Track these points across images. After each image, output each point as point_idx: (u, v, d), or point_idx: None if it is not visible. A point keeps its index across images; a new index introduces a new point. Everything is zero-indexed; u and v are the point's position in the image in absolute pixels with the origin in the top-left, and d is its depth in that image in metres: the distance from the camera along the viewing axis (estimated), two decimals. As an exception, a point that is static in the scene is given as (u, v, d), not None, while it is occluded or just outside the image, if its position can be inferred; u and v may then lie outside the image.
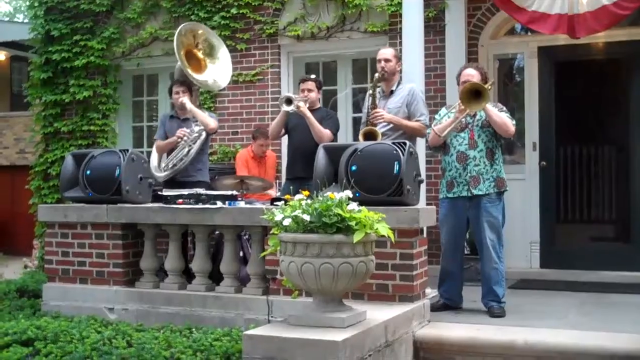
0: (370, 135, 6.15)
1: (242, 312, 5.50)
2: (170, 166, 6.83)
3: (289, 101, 6.50)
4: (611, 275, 7.33)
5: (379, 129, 6.17)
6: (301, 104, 6.48)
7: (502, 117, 5.68)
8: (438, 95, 7.85)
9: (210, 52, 7.26)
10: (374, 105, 6.24)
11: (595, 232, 8.26)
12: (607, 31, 7.08)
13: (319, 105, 6.89)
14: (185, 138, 6.79)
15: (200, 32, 7.24)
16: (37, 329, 4.95)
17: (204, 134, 6.83)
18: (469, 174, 5.69)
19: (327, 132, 6.49)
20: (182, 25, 7.19)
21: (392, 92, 6.34)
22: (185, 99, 6.84)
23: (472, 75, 5.77)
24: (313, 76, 7.04)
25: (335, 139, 6.61)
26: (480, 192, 5.68)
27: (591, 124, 8.25)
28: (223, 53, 7.32)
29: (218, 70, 7.27)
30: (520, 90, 8.27)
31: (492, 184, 5.71)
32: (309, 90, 6.68)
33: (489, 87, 5.74)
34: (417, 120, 6.19)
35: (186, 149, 6.79)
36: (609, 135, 8.24)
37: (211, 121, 6.84)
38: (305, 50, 8.95)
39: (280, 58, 8.95)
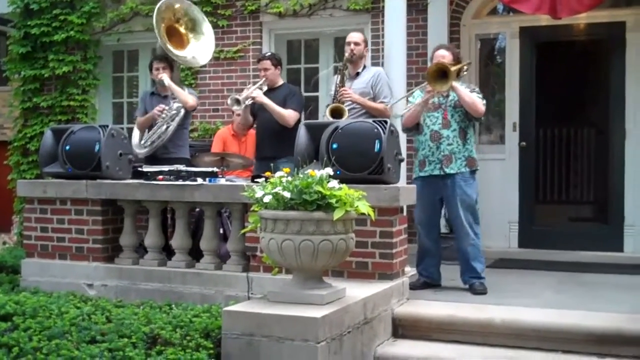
0: (337, 112, 6.23)
1: (222, 289, 5.50)
2: (149, 143, 6.80)
3: (237, 102, 6.47)
4: (588, 255, 7.42)
5: (345, 107, 6.25)
6: (256, 93, 6.52)
7: (472, 97, 5.72)
8: (420, 74, 7.83)
9: (194, 27, 7.18)
10: (342, 84, 6.34)
11: (573, 213, 8.34)
12: (589, 12, 7.12)
13: (280, 81, 6.86)
14: (163, 115, 6.75)
15: (177, 6, 7.12)
16: (15, 304, 4.91)
17: (182, 111, 6.79)
18: (441, 153, 5.74)
19: (289, 114, 6.52)
20: (161, 0, 7.11)
21: (357, 74, 6.45)
22: (164, 76, 6.78)
23: (443, 56, 5.82)
24: (268, 53, 7.06)
25: (300, 117, 6.64)
26: (452, 171, 5.74)
27: (571, 106, 8.29)
28: (206, 28, 7.24)
29: (200, 46, 7.20)
30: (501, 71, 8.29)
31: (464, 163, 5.76)
32: (265, 70, 6.68)
33: (466, 67, 5.74)
34: (381, 102, 6.25)
35: (164, 126, 6.76)
36: (589, 116, 8.30)
37: (190, 98, 6.80)
38: (287, 27, 8.91)
39: (262, 35, 8.91)
